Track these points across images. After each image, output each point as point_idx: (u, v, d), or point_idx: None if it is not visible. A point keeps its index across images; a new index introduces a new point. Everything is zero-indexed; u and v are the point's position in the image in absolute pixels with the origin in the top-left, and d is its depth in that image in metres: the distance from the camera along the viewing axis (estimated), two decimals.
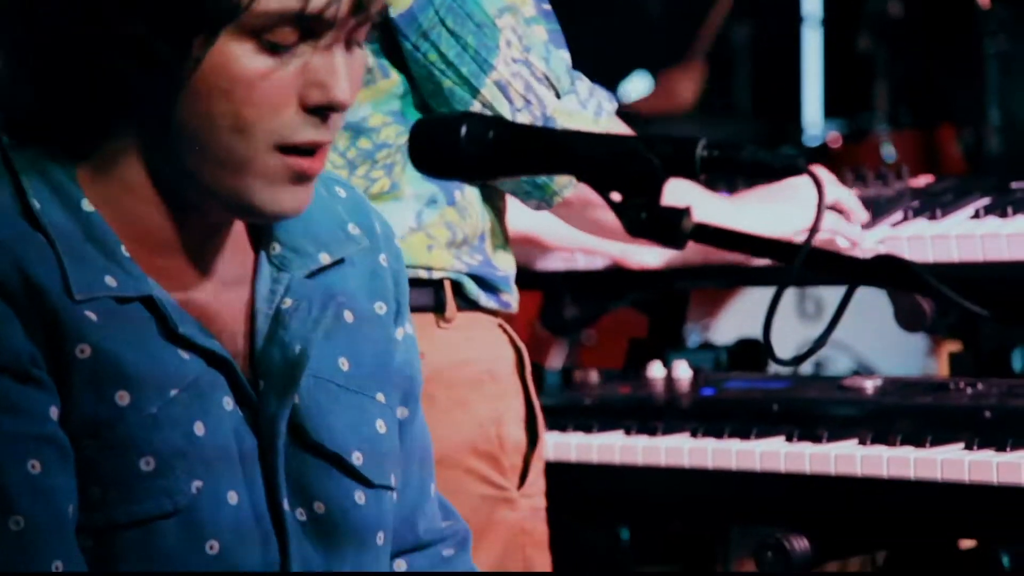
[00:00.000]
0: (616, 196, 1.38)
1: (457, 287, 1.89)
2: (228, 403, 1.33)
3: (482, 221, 1.91)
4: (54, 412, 1.27)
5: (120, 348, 1.29)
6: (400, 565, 1.50)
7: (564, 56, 1.88)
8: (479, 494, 1.89)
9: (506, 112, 1.82)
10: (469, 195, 1.89)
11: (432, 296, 1.87)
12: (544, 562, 1.97)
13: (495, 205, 1.94)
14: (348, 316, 1.41)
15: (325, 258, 1.41)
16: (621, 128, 1.97)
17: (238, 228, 1.39)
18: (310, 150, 1.30)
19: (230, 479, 1.32)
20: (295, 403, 1.36)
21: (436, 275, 1.88)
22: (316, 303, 1.38)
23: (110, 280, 1.30)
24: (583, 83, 1.90)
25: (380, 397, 1.43)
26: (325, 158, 1.33)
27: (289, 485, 1.35)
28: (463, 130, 1.41)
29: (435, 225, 1.87)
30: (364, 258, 1.45)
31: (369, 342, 1.43)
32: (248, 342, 1.36)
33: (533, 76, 1.84)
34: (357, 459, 1.39)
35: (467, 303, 1.91)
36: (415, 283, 1.80)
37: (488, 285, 1.93)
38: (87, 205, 1.31)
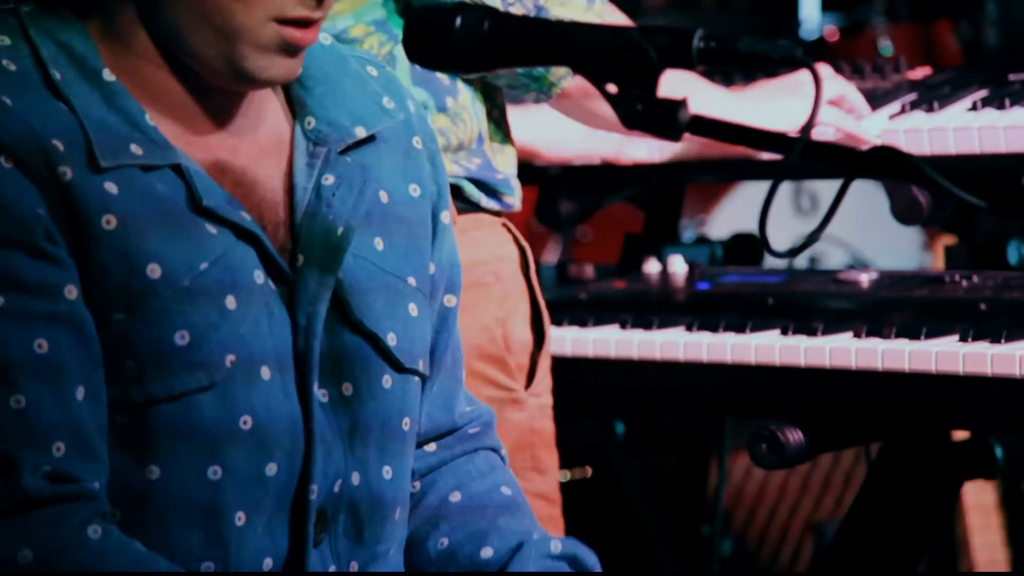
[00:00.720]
0: (612, 88, 1.38)
1: (456, 190, 1.88)
2: (259, 277, 1.34)
3: (478, 125, 1.90)
4: (71, 291, 1.27)
5: (147, 220, 1.29)
6: (431, 447, 1.52)
7: None
8: (486, 396, 1.89)
9: (498, 2, 1.81)
10: (462, 100, 1.87)
11: None
12: (552, 460, 1.99)
13: (494, 105, 1.93)
14: (383, 196, 1.42)
15: (360, 132, 1.42)
16: (616, 16, 1.96)
17: (272, 100, 1.40)
18: (304, 23, 1.32)
19: (262, 354, 1.33)
20: (341, 278, 1.36)
21: None
22: (356, 183, 1.39)
23: (136, 148, 1.30)
24: None
25: (412, 281, 1.44)
26: (318, 31, 1.35)
27: (320, 364, 1.35)
28: (458, 21, 1.40)
29: None
30: (398, 138, 1.46)
31: (404, 224, 1.44)
32: (288, 213, 1.37)
33: None
34: (392, 340, 1.40)
35: (468, 205, 1.90)
36: None
37: (488, 188, 1.92)
38: (108, 75, 1.32)
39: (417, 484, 1.50)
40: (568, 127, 2.15)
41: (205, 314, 1.30)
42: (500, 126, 1.94)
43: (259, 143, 1.38)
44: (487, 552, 1.45)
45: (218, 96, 1.36)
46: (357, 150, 1.41)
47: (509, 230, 1.96)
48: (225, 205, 1.33)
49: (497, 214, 1.94)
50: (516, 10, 1.81)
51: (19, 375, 1.25)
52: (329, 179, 1.38)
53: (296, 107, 1.41)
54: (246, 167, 1.36)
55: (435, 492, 1.50)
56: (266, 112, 1.40)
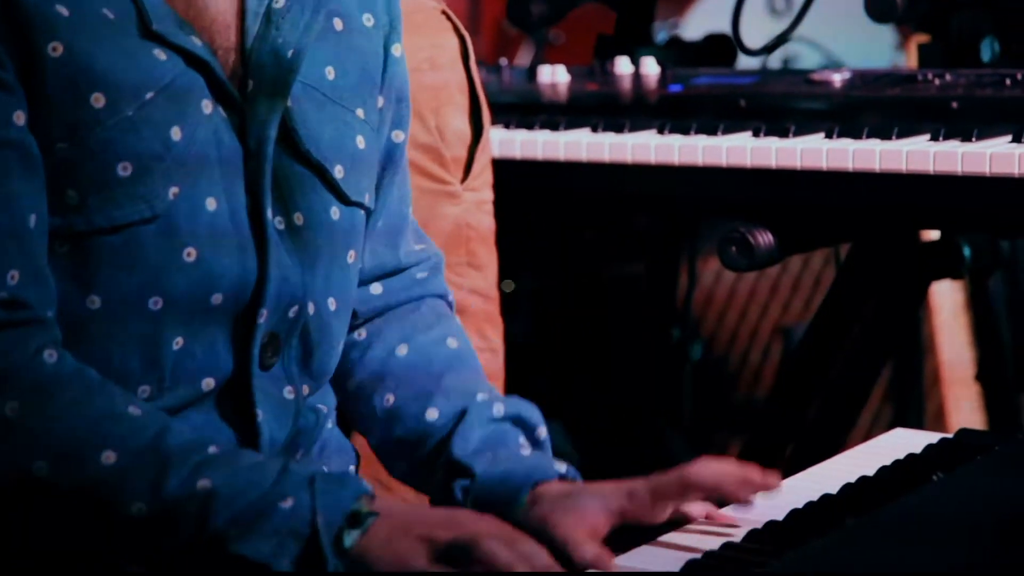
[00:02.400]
0: None
1: None
2: (207, 106, 1.31)
3: None
4: (19, 117, 1.24)
5: (94, 47, 1.26)
6: (376, 288, 1.51)
7: None
8: (419, 187, 1.86)
9: None
10: None
11: None
12: (490, 257, 1.97)
13: None
14: (337, 24, 1.40)
15: None
16: None
17: None
18: None
19: (208, 185, 1.30)
20: (286, 107, 1.34)
21: None
22: (309, 6, 1.36)
23: None
24: None
25: (360, 113, 1.41)
26: None
27: (272, 193, 1.33)
28: None
29: None
30: None
31: (356, 53, 1.41)
32: (239, 37, 1.34)
33: None
34: (339, 172, 1.38)
35: None
36: None
37: None
38: None
39: (363, 332, 1.50)
40: None
41: (149, 145, 1.27)
42: None
43: None
44: (432, 414, 1.44)
45: None
46: None
47: (449, 18, 1.92)
48: (176, 30, 1.29)
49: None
50: None
51: None
52: (279, 2, 1.35)
53: None
54: None
55: (381, 343, 1.49)
56: None
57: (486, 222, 1.97)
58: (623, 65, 2.37)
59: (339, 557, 1.17)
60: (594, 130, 2.16)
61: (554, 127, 2.19)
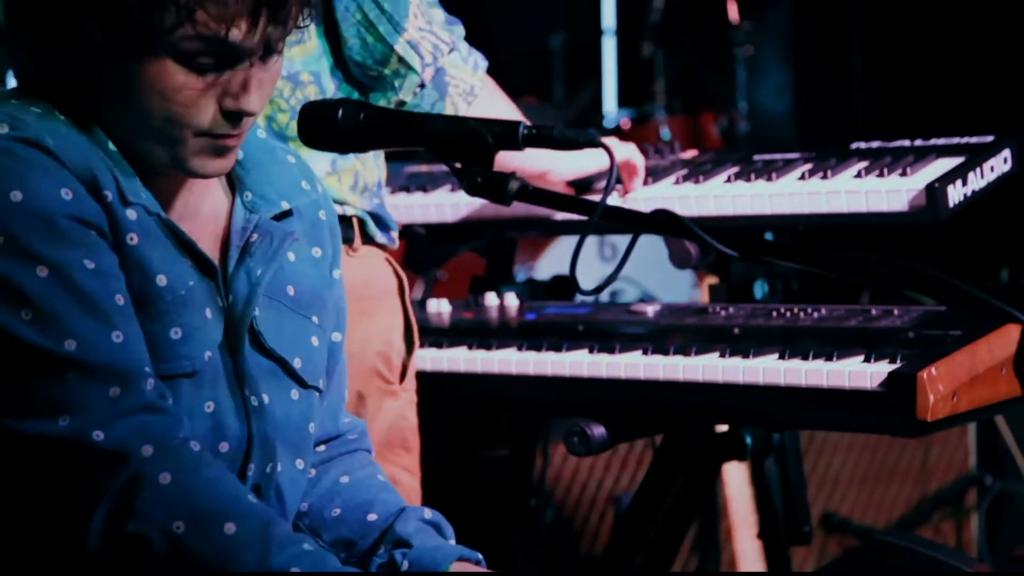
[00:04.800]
0: (458, 164, 1.38)
1: (362, 224, 1.89)
2: (220, 301, 1.35)
3: (378, 173, 1.91)
4: (119, 265, 1.28)
5: (152, 244, 1.30)
6: (320, 448, 1.52)
7: (459, 30, 1.91)
8: (375, 386, 1.91)
9: (417, 64, 1.82)
10: (367, 152, 1.88)
11: (344, 231, 1.86)
12: (415, 441, 1.99)
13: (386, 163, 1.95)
14: (292, 256, 1.42)
15: (285, 205, 1.42)
16: (490, 82, 1.99)
17: (215, 179, 1.39)
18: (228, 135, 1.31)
19: (220, 362, 1.33)
20: (255, 315, 1.36)
21: (348, 212, 1.87)
22: (276, 240, 1.39)
23: (142, 194, 1.31)
24: (465, 46, 1.93)
25: (315, 319, 1.44)
26: (243, 138, 1.33)
27: (248, 379, 1.35)
28: (340, 113, 1.40)
29: (345, 171, 1.86)
30: (309, 211, 1.46)
31: (308, 276, 1.44)
32: (223, 265, 1.36)
33: (436, 38, 1.85)
34: (297, 364, 1.40)
35: (366, 238, 1.91)
36: None
37: (383, 223, 1.93)
38: (112, 146, 1.31)
39: (313, 471, 1.50)
40: None
41: (192, 317, 1.31)
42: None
43: (200, 211, 1.38)
44: (372, 516, 1.45)
45: (172, 174, 1.35)
46: (280, 220, 1.42)
47: (391, 263, 1.96)
48: (197, 246, 1.34)
49: (384, 248, 1.95)
50: (428, 72, 1.81)
51: (114, 316, 1.24)
52: (255, 237, 1.38)
53: (236, 182, 1.41)
54: (192, 229, 1.36)
55: (328, 477, 1.51)
56: (208, 187, 1.39)
57: (413, 416, 1.99)
58: (491, 299, 2.39)
59: None
60: (469, 348, 2.16)
61: (439, 346, 2.19)
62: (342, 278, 1.51)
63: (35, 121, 1.27)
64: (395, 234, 1.96)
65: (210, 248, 1.37)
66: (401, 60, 1.80)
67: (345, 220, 1.87)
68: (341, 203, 1.86)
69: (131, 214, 1.29)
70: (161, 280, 1.30)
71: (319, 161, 1.81)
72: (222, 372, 1.34)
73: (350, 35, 1.79)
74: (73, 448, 1.21)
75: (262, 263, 1.38)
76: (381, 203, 1.92)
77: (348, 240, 1.88)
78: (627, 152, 2.18)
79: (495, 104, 1.98)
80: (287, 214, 1.43)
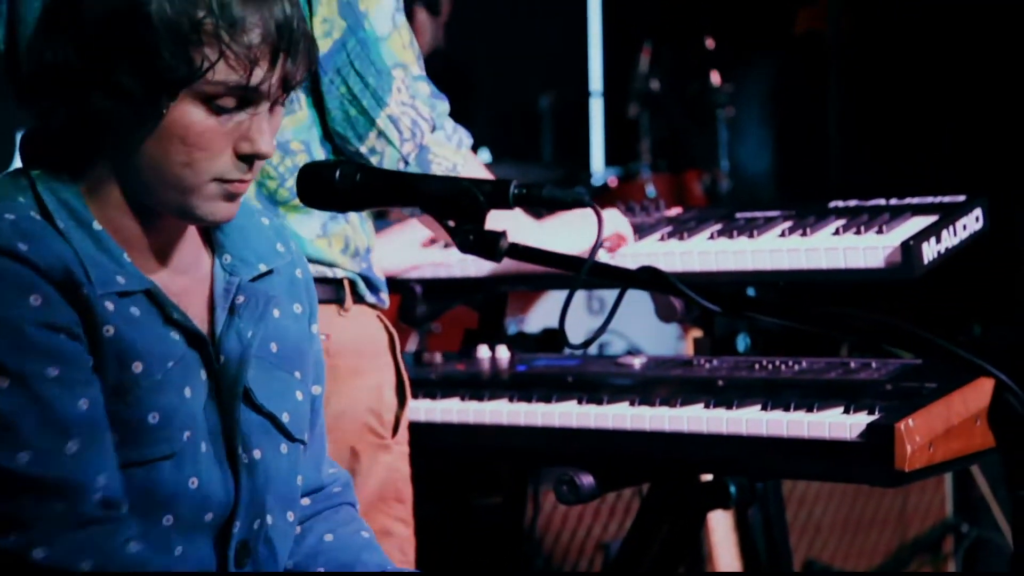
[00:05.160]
0: (451, 223, 1.38)
1: (352, 285, 1.88)
2: (203, 374, 1.33)
3: (367, 238, 1.91)
4: (91, 365, 1.26)
5: (132, 330, 1.28)
6: (305, 501, 1.51)
7: (443, 105, 1.88)
8: (368, 441, 1.88)
9: (396, 139, 1.80)
10: (354, 219, 1.88)
11: (335, 292, 1.87)
12: (408, 493, 1.97)
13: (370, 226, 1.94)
14: (276, 312, 1.42)
15: (262, 267, 1.42)
16: (473, 158, 1.98)
17: (196, 241, 1.39)
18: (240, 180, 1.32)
19: (203, 431, 1.32)
20: (247, 374, 1.36)
21: (339, 274, 1.86)
22: (260, 301, 1.39)
23: (120, 279, 1.29)
24: (450, 123, 1.91)
25: (297, 375, 1.43)
26: (251, 182, 1.34)
27: (240, 435, 1.35)
28: (337, 173, 1.40)
29: (336, 235, 1.85)
30: (286, 270, 1.46)
31: (291, 332, 1.44)
32: (210, 328, 1.36)
33: (417, 115, 1.83)
34: (285, 418, 1.40)
35: (357, 299, 1.90)
36: (324, 281, 1.80)
37: (372, 285, 1.92)
38: (96, 225, 1.31)
39: (298, 528, 1.48)
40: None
41: (171, 401, 1.29)
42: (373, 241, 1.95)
43: (186, 274, 1.38)
44: None
45: (167, 235, 1.35)
46: (259, 280, 1.42)
47: (382, 320, 1.95)
48: (186, 318, 1.33)
49: (374, 307, 1.94)
50: (408, 146, 1.82)
51: (71, 426, 1.23)
52: (240, 299, 1.38)
53: (215, 246, 1.40)
54: (181, 293, 1.36)
55: (313, 534, 1.49)
56: (190, 249, 1.39)
57: (406, 468, 1.97)
58: (483, 351, 2.39)
59: None
60: (462, 399, 2.15)
61: (433, 397, 2.17)
62: (319, 333, 1.51)
63: (8, 227, 1.27)
64: (384, 295, 1.95)
65: (198, 309, 1.36)
66: (381, 134, 1.79)
67: (336, 282, 1.86)
68: (332, 265, 1.85)
69: (108, 305, 1.28)
70: (137, 367, 1.29)
71: (310, 225, 1.81)
72: (207, 434, 1.32)
73: (334, 107, 1.79)
74: (15, 563, 1.21)
75: (251, 325, 1.38)
76: (370, 267, 1.92)
77: (339, 300, 1.87)
78: (616, 224, 2.18)
79: None
80: (267, 274, 1.43)
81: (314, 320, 1.49)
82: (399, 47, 1.80)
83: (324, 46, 1.75)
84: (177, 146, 1.27)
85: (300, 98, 1.78)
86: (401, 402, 1.94)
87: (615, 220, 2.19)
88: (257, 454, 1.36)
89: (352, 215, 1.87)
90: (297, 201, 1.83)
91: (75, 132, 1.31)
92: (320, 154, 1.82)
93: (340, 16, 1.75)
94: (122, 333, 1.28)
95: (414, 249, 2.29)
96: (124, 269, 1.30)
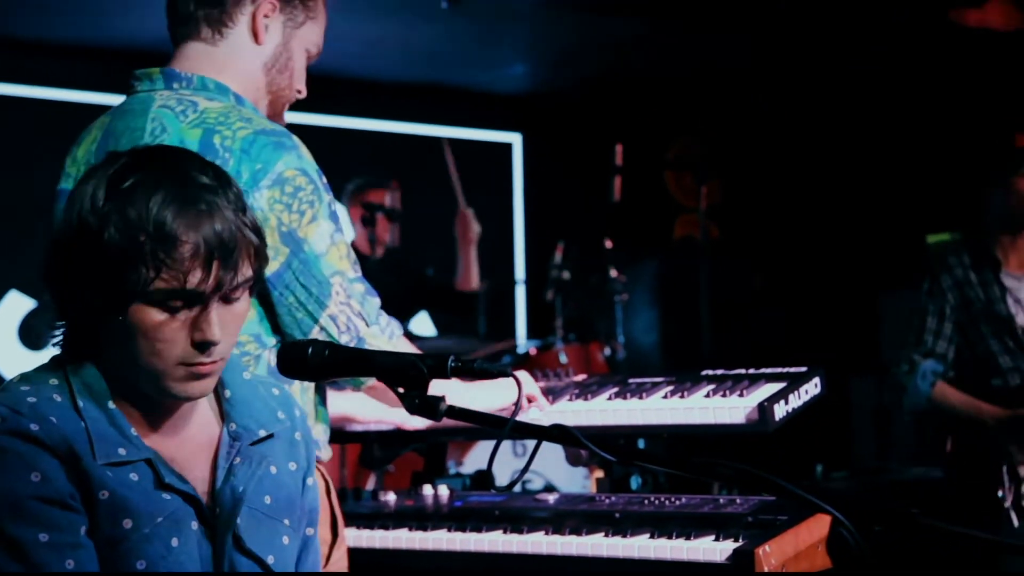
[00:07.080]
0: (401, 389, 1.39)
1: None
2: (194, 524, 1.30)
3: (305, 404, 1.87)
4: (83, 529, 1.23)
5: (127, 492, 1.26)
6: None
7: (375, 301, 1.87)
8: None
9: (335, 334, 1.79)
10: (298, 386, 1.83)
11: None
12: None
13: (318, 394, 1.90)
14: (272, 469, 1.40)
15: (263, 432, 1.40)
16: (407, 344, 1.98)
17: (207, 411, 1.38)
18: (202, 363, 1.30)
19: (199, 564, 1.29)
20: (237, 523, 1.33)
21: None
22: (255, 461, 1.37)
23: (121, 451, 1.28)
24: (384, 317, 1.89)
25: (286, 522, 1.40)
26: (220, 364, 1.32)
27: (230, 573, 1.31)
28: (309, 351, 1.41)
29: None
30: (287, 433, 1.44)
31: (284, 487, 1.41)
32: (211, 483, 1.34)
33: (352, 313, 1.82)
34: (271, 560, 1.36)
35: None
36: None
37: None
38: (111, 404, 1.30)
39: None
40: (370, 403, 2.14)
41: (157, 550, 1.26)
42: (319, 408, 1.90)
43: (194, 440, 1.36)
44: None
45: (169, 412, 1.34)
46: (260, 443, 1.41)
47: (319, 469, 1.88)
48: (179, 482, 1.30)
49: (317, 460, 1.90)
50: (346, 338, 1.80)
51: None
52: (238, 460, 1.37)
53: (225, 415, 1.40)
54: (187, 456, 1.34)
55: None
56: (202, 420, 1.38)
57: None
58: (428, 489, 2.35)
59: None
60: (410, 529, 2.11)
61: (386, 528, 2.13)
62: (315, 483, 1.49)
63: (28, 409, 1.27)
64: (322, 454, 1.88)
65: (202, 471, 1.35)
66: (323, 329, 1.80)
67: None
68: None
69: (108, 472, 1.27)
70: (127, 523, 1.27)
71: None
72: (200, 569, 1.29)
73: (283, 312, 1.78)
74: None
75: (243, 481, 1.36)
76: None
77: None
78: (529, 387, 2.19)
79: None
80: (267, 437, 1.42)
81: (310, 473, 1.47)
82: (336, 259, 1.80)
83: (272, 267, 1.75)
84: (142, 340, 1.28)
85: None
86: (334, 537, 1.88)
87: (528, 384, 2.21)
88: None
89: (296, 384, 1.83)
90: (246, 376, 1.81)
91: (82, 330, 1.32)
92: (270, 342, 1.79)
93: (282, 244, 1.74)
94: (116, 496, 1.26)
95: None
96: (129, 441, 1.30)
